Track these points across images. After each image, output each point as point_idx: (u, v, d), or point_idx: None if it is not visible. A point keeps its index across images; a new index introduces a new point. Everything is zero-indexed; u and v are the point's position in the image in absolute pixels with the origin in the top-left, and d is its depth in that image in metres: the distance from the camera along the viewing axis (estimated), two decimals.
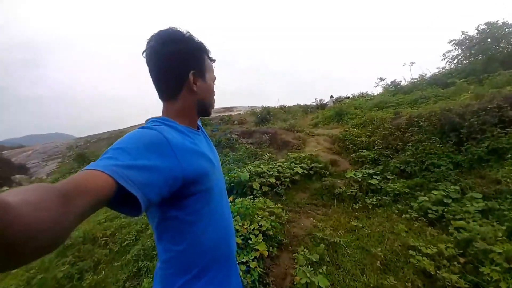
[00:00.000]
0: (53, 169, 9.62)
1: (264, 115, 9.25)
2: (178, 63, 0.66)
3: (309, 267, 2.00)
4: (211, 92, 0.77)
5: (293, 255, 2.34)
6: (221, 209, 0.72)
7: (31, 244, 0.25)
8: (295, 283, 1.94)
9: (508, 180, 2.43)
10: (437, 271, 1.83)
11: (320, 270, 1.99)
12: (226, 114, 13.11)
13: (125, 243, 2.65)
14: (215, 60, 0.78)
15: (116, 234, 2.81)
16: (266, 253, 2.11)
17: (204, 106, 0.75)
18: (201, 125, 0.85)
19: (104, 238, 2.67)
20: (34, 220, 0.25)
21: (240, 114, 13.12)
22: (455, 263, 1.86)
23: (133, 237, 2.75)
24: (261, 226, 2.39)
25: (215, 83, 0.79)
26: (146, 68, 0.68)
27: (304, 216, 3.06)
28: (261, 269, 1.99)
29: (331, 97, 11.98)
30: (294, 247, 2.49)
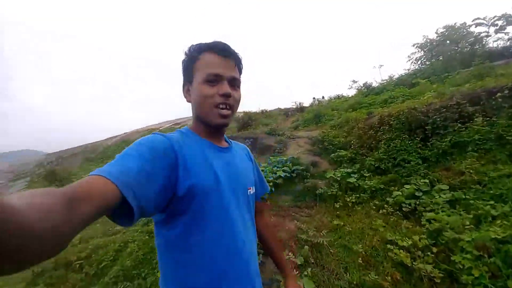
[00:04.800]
0: (21, 189, 8.88)
1: (246, 120, 9.27)
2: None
3: (295, 270, 2.02)
4: (199, 94, 0.63)
5: None
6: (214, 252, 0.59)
7: (34, 248, 0.25)
8: None
9: (471, 171, 2.64)
10: (413, 263, 1.93)
11: (305, 273, 2.01)
12: None
13: (102, 264, 2.50)
14: (217, 51, 0.63)
15: (93, 256, 2.63)
16: None
17: (199, 115, 0.67)
18: (236, 146, 0.85)
19: (78, 262, 2.49)
20: (38, 224, 0.25)
21: None
22: (429, 253, 1.97)
23: (111, 258, 2.60)
24: None
25: (216, 75, 0.62)
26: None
27: (289, 219, 3.10)
28: None
29: (314, 98, 12.29)
30: None
